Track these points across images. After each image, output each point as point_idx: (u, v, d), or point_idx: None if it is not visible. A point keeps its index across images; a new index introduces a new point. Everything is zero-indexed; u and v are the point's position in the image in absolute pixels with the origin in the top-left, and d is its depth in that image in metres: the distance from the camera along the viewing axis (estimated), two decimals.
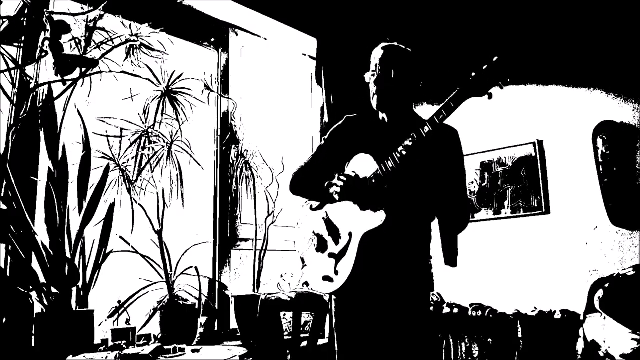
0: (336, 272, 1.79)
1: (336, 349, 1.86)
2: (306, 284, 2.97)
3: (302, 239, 1.98)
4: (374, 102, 1.83)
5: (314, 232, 1.93)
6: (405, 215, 1.76)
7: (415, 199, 1.76)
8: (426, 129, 1.63)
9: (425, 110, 4.06)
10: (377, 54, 1.84)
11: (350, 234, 1.78)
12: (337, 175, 1.74)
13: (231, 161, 3.06)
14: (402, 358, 1.74)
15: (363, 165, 1.78)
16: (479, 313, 3.20)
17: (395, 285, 1.76)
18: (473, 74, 1.59)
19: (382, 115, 1.88)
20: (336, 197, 1.75)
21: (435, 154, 1.75)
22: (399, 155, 1.67)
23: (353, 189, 1.72)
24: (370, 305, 1.79)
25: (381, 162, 1.71)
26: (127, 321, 2.36)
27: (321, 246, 1.89)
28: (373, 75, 1.81)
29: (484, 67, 1.59)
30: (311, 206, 1.97)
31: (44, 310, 2.11)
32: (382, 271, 1.77)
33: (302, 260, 1.95)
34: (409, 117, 1.86)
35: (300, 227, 2.02)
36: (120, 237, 2.42)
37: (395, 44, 1.85)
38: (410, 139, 1.65)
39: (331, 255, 1.83)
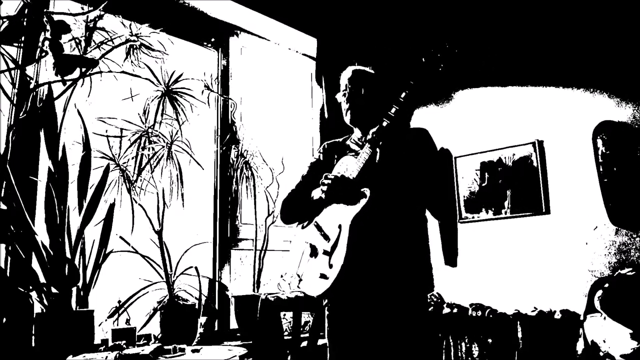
0: (330, 266, 1.80)
1: (328, 355, 1.88)
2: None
3: (296, 257, 1.99)
4: (347, 119, 1.97)
5: (306, 242, 1.95)
6: (391, 196, 1.80)
7: (394, 181, 1.82)
8: (393, 110, 1.79)
9: (423, 113, 4.05)
10: (346, 75, 2.00)
11: (339, 226, 1.80)
12: (324, 176, 1.84)
13: (231, 161, 3.06)
14: (397, 357, 1.74)
15: (346, 166, 1.87)
16: (479, 313, 3.20)
17: (389, 274, 1.77)
18: (423, 59, 1.80)
19: (356, 131, 2.01)
20: (323, 195, 1.83)
21: (411, 147, 1.88)
22: (363, 159, 1.80)
23: (338, 186, 1.80)
24: (365, 297, 1.80)
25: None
26: (127, 321, 2.37)
27: (314, 251, 1.90)
28: (344, 94, 1.97)
29: (432, 50, 1.79)
30: (302, 226, 2.01)
31: (44, 310, 2.11)
32: (375, 257, 1.78)
33: (299, 276, 1.96)
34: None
35: (292, 247, 2.05)
36: (120, 237, 2.42)
37: (362, 67, 2.02)
38: (385, 117, 1.80)
39: (324, 252, 1.84)
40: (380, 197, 1.77)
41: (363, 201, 1.75)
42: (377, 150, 1.82)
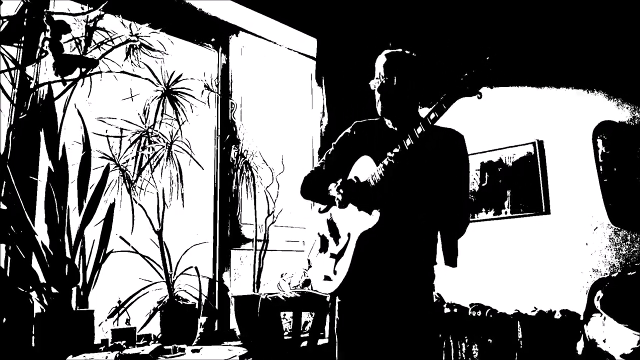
0: (335, 272, 1.81)
1: (336, 352, 1.86)
2: (307, 282, 2.98)
3: (309, 241, 2.01)
4: (378, 109, 1.84)
5: (318, 234, 1.96)
6: (401, 217, 1.75)
7: (411, 201, 1.75)
8: (419, 129, 1.62)
9: (423, 113, 4.05)
10: (380, 61, 1.84)
11: (349, 235, 1.79)
12: (338, 182, 1.77)
13: (231, 161, 3.06)
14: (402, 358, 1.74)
15: (364, 168, 1.79)
16: (479, 313, 3.20)
17: (393, 289, 1.76)
18: (465, 74, 1.60)
19: (387, 121, 1.89)
20: (337, 202, 1.78)
21: (434, 156, 1.75)
22: (386, 164, 1.68)
23: (351, 194, 1.73)
24: (370, 308, 1.79)
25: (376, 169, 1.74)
26: (127, 321, 2.36)
27: (324, 247, 1.92)
28: (377, 82, 1.82)
29: (474, 68, 1.60)
30: (319, 209, 2.01)
31: (44, 310, 2.11)
32: (379, 274, 1.77)
33: (308, 261, 1.98)
34: (414, 121, 1.85)
35: (308, 229, 2.04)
36: (120, 237, 2.42)
37: (399, 50, 1.84)
38: (398, 147, 1.65)
39: (332, 255, 1.85)
40: (392, 216, 1.70)
41: (374, 220, 1.68)
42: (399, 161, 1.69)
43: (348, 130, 2.01)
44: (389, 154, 1.67)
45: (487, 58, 1.56)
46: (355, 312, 1.82)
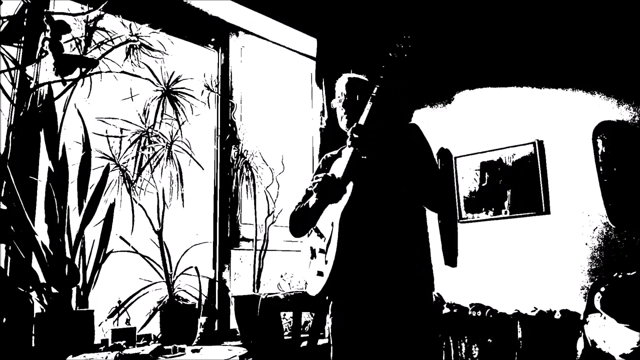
0: (325, 262, 1.82)
1: (331, 354, 1.88)
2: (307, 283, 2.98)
3: (304, 265, 2.03)
4: (343, 125, 1.99)
5: (310, 248, 1.98)
6: (376, 188, 1.82)
7: (383, 173, 1.83)
8: (375, 90, 1.81)
9: (423, 113, 4.05)
10: (342, 82, 2.03)
11: (332, 224, 1.83)
12: (313, 177, 1.90)
13: (231, 161, 3.06)
14: (399, 355, 1.74)
15: (337, 168, 1.91)
16: (479, 313, 3.20)
17: (383, 268, 1.77)
18: (390, 54, 1.85)
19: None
20: (314, 193, 1.89)
21: (397, 143, 1.88)
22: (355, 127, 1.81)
23: (327, 184, 1.85)
24: (364, 300, 1.80)
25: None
26: (127, 321, 2.36)
27: (313, 252, 1.94)
28: (340, 100, 1.99)
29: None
30: (307, 234, 2.04)
31: (44, 310, 2.11)
32: (366, 251, 1.79)
33: (306, 283, 2.00)
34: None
35: (302, 253, 2.07)
36: (120, 237, 2.42)
37: (356, 75, 2.06)
38: (364, 113, 1.83)
39: (321, 250, 1.87)
40: (366, 190, 1.81)
41: (346, 196, 1.80)
42: (357, 149, 1.83)
43: (320, 164, 2.16)
44: (349, 130, 1.84)
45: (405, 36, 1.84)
46: (349, 309, 1.84)
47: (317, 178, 1.90)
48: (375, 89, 1.83)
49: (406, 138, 1.90)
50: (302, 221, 2.03)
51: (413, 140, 1.89)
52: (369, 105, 1.84)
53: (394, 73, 1.84)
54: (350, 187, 1.80)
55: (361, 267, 1.79)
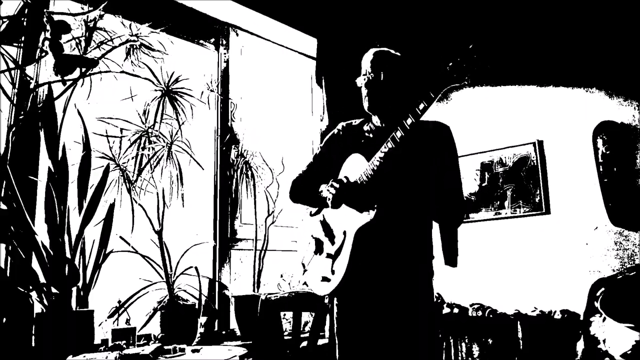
0: (332, 272, 1.80)
1: (337, 353, 1.86)
2: (306, 284, 2.98)
3: (302, 245, 2.00)
4: (365, 105, 1.86)
5: (312, 236, 1.95)
6: (397, 210, 1.76)
7: (406, 193, 1.77)
8: (409, 120, 1.63)
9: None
10: (367, 58, 1.88)
11: (344, 233, 1.79)
12: (330, 182, 1.79)
13: (231, 161, 3.06)
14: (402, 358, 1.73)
15: (355, 166, 1.80)
16: (479, 313, 3.20)
17: (393, 285, 1.75)
18: (450, 63, 1.63)
19: (374, 118, 1.91)
20: (329, 203, 1.79)
21: (424, 147, 1.76)
22: (379, 158, 1.70)
23: (343, 193, 1.75)
24: (369, 307, 1.79)
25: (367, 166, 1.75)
26: (127, 321, 2.36)
27: (319, 248, 1.91)
28: (364, 79, 1.84)
29: (459, 56, 1.63)
30: (310, 212, 2.00)
31: (44, 310, 2.11)
32: (378, 269, 1.77)
33: (303, 266, 1.97)
34: (401, 115, 1.85)
35: (300, 233, 2.04)
36: (120, 237, 2.42)
37: (385, 49, 1.89)
38: (390, 141, 1.67)
39: (328, 255, 1.85)
40: (389, 210, 1.72)
41: (369, 216, 1.70)
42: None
43: (335, 130, 2.02)
44: (382, 148, 1.69)
45: (470, 46, 1.60)
46: (355, 312, 1.82)
47: (333, 181, 1.78)
48: (422, 105, 1.59)
49: (434, 142, 1.76)
50: (304, 197, 1.99)
51: (441, 150, 1.75)
52: (384, 148, 1.67)
53: (442, 92, 1.61)
54: (372, 210, 1.69)
55: (368, 281, 1.77)
